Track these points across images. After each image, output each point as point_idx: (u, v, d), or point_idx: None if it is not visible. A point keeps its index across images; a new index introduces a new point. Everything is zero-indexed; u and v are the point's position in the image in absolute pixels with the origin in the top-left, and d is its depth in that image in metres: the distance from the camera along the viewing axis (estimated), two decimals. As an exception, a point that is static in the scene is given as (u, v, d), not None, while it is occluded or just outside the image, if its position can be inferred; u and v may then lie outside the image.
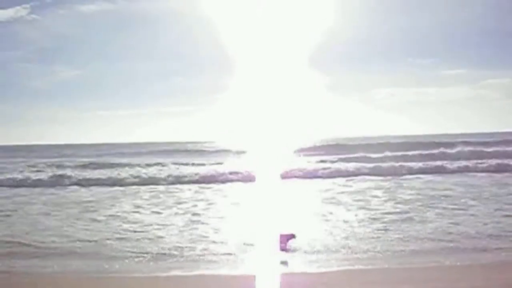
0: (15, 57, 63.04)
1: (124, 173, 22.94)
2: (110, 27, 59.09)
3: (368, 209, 12.85)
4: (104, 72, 68.33)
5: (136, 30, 54.76)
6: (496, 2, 48.25)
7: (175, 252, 8.97)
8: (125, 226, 11.48)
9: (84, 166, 27.37)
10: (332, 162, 26.89)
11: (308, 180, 21.15)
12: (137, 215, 13.10)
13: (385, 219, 11.42)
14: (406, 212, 12.19)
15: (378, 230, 10.35)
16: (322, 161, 27.54)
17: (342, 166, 24.29)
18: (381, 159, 26.52)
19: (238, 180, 20.84)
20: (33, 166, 28.19)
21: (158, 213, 13.38)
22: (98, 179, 21.64)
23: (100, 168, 26.06)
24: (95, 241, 10.06)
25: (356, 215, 12.00)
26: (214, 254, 8.81)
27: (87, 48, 61.74)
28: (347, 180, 19.80)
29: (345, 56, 68.01)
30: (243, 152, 31.27)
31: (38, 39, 59.83)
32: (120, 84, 75.14)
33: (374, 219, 11.47)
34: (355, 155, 30.06)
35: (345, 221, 11.31)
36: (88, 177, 22.39)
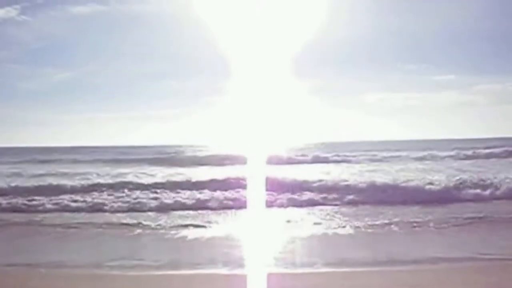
0: (4, 58, 62.76)
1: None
2: (102, 29, 58.95)
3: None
4: (96, 74, 68.18)
5: (129, 32, 54.74)
6: (487, 8, 48.89)
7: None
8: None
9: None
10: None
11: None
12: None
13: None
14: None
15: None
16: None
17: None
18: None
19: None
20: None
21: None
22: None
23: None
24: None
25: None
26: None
27: (78, 50, 61.64)
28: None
29: (334, 61, 68.54)
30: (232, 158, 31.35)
31: (28, 41, 59.62)
32: (112, 87, 75.16)
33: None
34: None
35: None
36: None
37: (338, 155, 33.68)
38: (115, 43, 57.25)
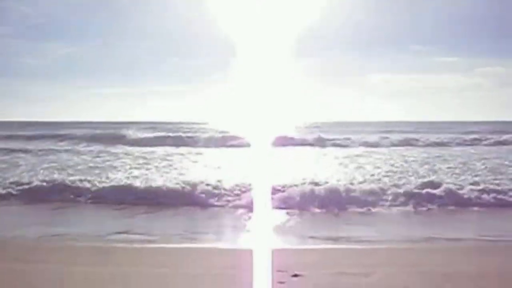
0: (5, 33, 62.48)
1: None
2: (104, 5, 58.69)
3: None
4: (98, 50, 67.99)
5: (132, 9, 54.50)
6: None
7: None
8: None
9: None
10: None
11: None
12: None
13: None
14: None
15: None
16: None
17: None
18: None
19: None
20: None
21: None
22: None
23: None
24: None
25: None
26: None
27: (80, 26, 61.40)
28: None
29: (338, 41, 68.30)
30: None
31: (29, 16, 59.32)
32: (114, 63, 75.05)
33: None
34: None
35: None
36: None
37: (337, 139, 33.34)
38: (119, 19, 57.00)
